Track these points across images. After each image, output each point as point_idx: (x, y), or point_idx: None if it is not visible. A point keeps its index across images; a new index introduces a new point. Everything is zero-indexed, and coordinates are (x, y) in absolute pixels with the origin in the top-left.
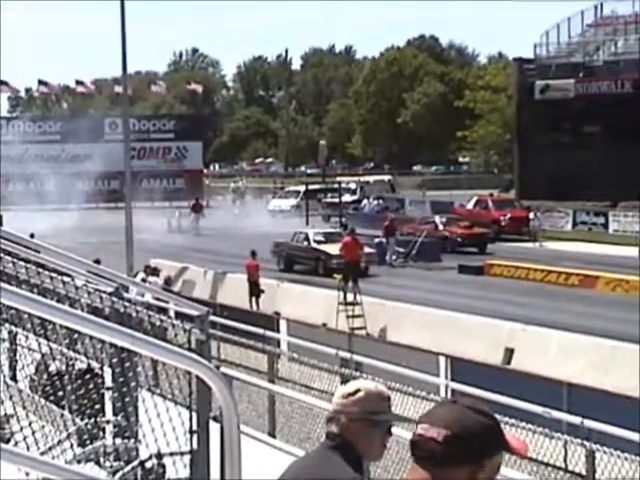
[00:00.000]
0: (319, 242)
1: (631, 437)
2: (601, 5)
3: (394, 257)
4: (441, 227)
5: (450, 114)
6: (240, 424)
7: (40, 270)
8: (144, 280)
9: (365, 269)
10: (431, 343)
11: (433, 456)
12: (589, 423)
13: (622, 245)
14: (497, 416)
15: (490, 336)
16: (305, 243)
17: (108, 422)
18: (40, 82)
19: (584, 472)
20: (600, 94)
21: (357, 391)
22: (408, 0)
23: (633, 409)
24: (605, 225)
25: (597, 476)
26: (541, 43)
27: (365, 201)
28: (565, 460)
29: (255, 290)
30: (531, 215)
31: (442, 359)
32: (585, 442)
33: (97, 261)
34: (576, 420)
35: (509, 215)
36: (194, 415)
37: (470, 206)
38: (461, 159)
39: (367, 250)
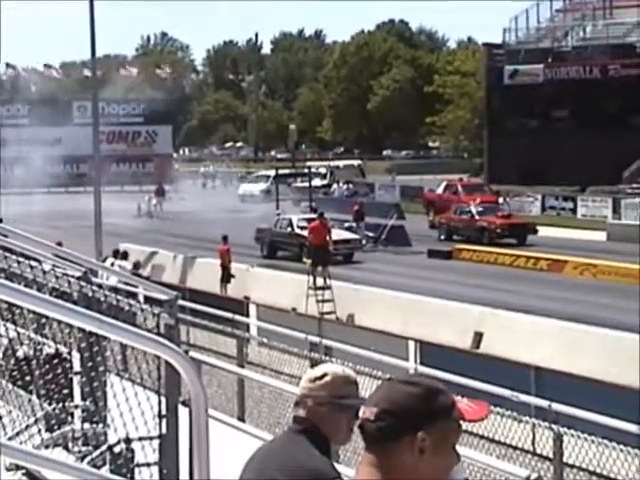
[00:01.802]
0: (303, 228)
1: (598, 420)
2: None
3: (363, 242)
4: (477, 217)
5: (420, 99)
6: (209, 408)
7: (7, 254)
8: (113, 264)
9: (350, 255)
10: (401, 327)
11: (371, 436)
12: (557, 406)
13: (590, 230)
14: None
15: (459, 320)
16: (289, 229)
17: (76, 407)
18: (8, 65)
19: (551, 455)
20: (568, 79)
21: (324, 375)
22: None
23: (600, 392)
24: (573, 210)
25: (564, 459)
26: (510, 28)
27: (335, 186)
28: (533, 443)
29: (226, 275)
30: (500, 200)
31: (411, 343)
32: (553, 425)
33: (59, 243)
34: (544, 403)
35: (479, 200)
36: (163, 400)
37: (440, 191)
38: (431, 144)
39: (352, 236)
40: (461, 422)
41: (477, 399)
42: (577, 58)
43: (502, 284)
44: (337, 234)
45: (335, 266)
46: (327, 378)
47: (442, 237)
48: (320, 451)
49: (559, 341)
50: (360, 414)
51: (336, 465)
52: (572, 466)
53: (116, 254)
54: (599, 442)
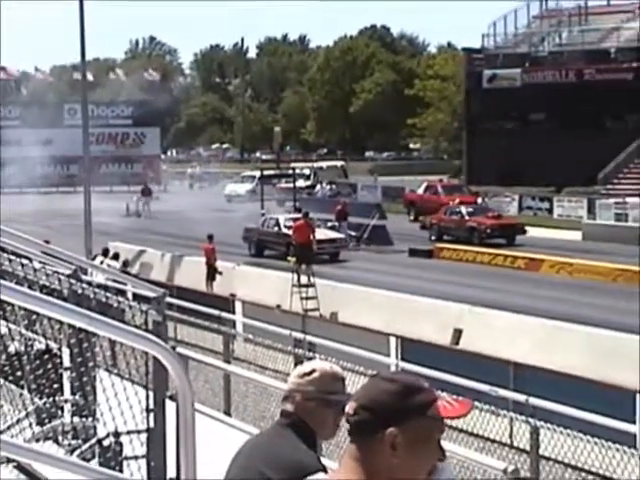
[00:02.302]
0: (289, 227)
1: (574, 414)
2: None
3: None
4: (467, 217)
5: (401, 102)
6: (195, 403)
7: None
8: (102, 263)
9: (336, 254)
10: (382, 324)
11: (351, 430)
12: (534, 401)
13: (566, 229)
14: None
15: (439, 317)
16: (276, 229)
17: (66, 401)
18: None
19: (528, 448)
20: (545, 83)
21: (312, 371)
22: None
23: (576, 387)
24: (550, 210)
25: (541, 451)
26: (489, 34)
27: (318, 186)
28: (511, 436)
29: (212, 273)
30: (479, 200)
31: (393, 339)
32: (530, 419)
33: (47, 241)
34: (521, 398)
35: (458, 200)
36: (151, 394)
37: (420, 191)
38: (412, 145)
39: (337, 235)
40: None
41: (461, 396)
42: (553, 63)
43: (481, 282)
44: (323, 234)
45: (321, 265)
46: (315, 374)
47: (433, 237)
48: (307, 445)
49: (536, 337)
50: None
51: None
52: (548, 458)
53: (106, 253)
54: (574, 435)
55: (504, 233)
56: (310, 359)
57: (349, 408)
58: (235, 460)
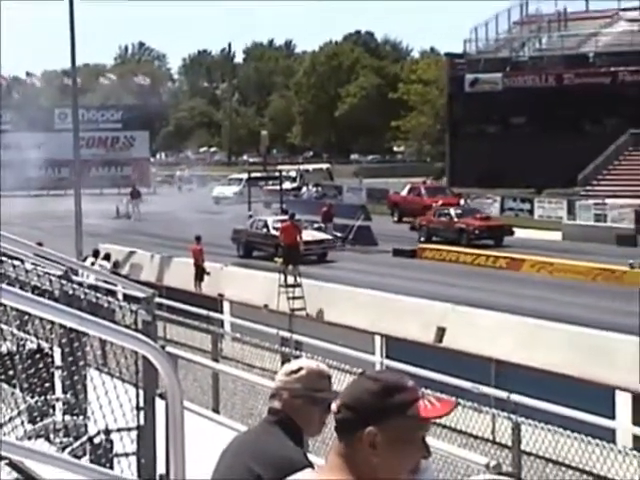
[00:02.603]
0: (277, 229)
1: (554, 410)
2: (526, 4)
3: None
4: (456, 219)
5: (385, 106)
6: (184, 401)
7: None
8: (93, 264)
9: (324, 255)
10: (367, 323)
11: (336, 427)
12: (515, 397)
13: (546, 230)
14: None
15: (423, 316)
16: (264, 230)
17: (58, 400)
18: None
19: (510, 443)
20: (526, 87)
21: (300, 369)
22: None
23: (556, 384)
24: (530, 211)
25: (522, 447)
26: (470, 39)
27: (304, 188)
28: (493, 432)
29: (200, 273)
30: (462, 201)
31: (377, 338)
32: (511, 415)
33: (40, 244)
34: (503, 395)
35: (441, 201)
36: (141, 392)
37: (404, 193)
38: (395, 148)
39: (325, 236)
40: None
41: (444, 394)
42: (534, 67)
43: (463, 281)
44: (311, 235)
45: (309, 265)
46: (302, 372)
47: (422, 239)
48: (293, 441)
49: (518, 335)
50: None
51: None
52: (529, 454)
53: (96, 254)
54: (555, 431)
55: (492, 234)
56: (297, 357)
57: (334, 406)
58: (223, 456)
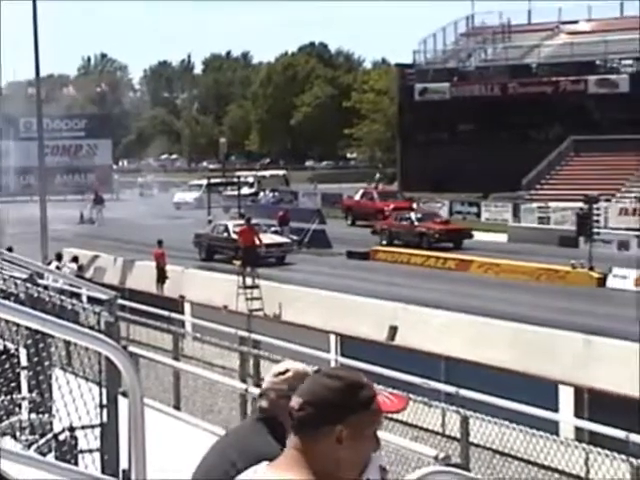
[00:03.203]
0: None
1: (501, 404)
2: (472, 17)
3: None
4: (417, 223)
5: (339, 114)
6: (147, 398)
7: None
8: (58, 268)
9: (282, 258)
10: (322, 322)
11: (296, 423)
12: (463, 392)
13: (493, 232)
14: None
15: (376, 315)
16: (225, 234)
17: (24, 399)
18: None
19: (459, 436)
20: (472, 96)
21: (286, 371)
22: (301, 7)
23: (503, 379)
24: (478, 214)
25: (470, 439)
26: (419, 50)
27: (262, 193)
28: (442, 425)
29: (162, 276)
30: (414, 205)
31: (332, 337)
32: (460, 409)
33: (9, 249)
34: (452, 390)
35: (392, 205)
36: (104, 391)
37: (357, 197)
38: (349, 155)
39: (284, 240)
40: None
41: (398, 391)
42: (480, 77)
43: (414, 282)
44: (271, 238)
45: (269, 268)
46: (289, 374)
47: (384, 242)
48: (276, 439)
49: (466, 333)
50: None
51: None
52: (477, 445)
53: (59, 257)
54: (501, 423)
55: (452, 238)
56: (256, 356)
57: (294, 403)
58: (212, 449)
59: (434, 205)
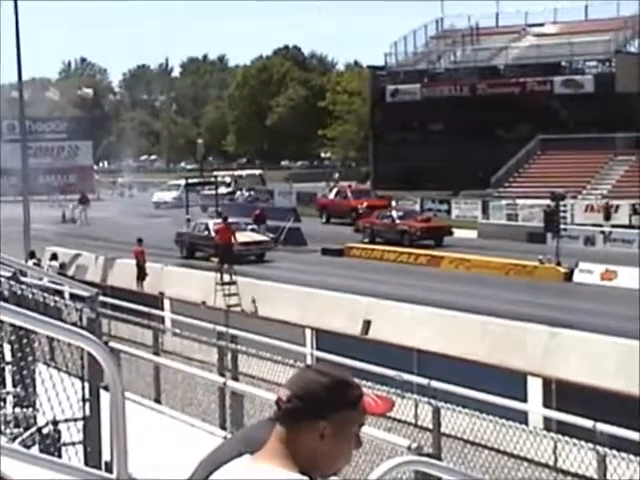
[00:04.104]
0: None
1: (471, 395)
2: (442, 20)
3: None
4: (398, 221)
5: (313, 115)
6: (128, 392)
7: None
8: (38, 265)
9: (261, 255)
10: (298, 317)
11: (282, 414)
12: (435, 384)
13: (463, 229)
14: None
15: (350, 310)
16: (205, 232)
17: (8, 393)
18: None
19: (431, 426)
20: (442, 97)
21: None
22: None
23: (473, 371)
24: (448, 211)
25: (442, 429)
26: (391, 53)
27: (238, 193)
28: (415, 416)
29: (141, 273)
30: (393, 203)
31: (308, 331)
32: (432, 400)
33: None
34: (424, 381)
35: (365, 203)
36: (86, 385)
37: (332, 196)
38: (323, 155)
39: (263, 238)
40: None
41: (383, 394)
42: (449, 79)
43: (387, 277)
44: (250, 236)
45: (248, 265)
46: None
47: (365, 240)
48: None
49: (437, 327)
50: (277, 393)
51: None
52: (449, 435)
53: (32, 255)
54: (472, 414)
55: (433, 235)
56: (233, 351)
57: (282, 395)
58: (227, 439)
59: (405, 203)
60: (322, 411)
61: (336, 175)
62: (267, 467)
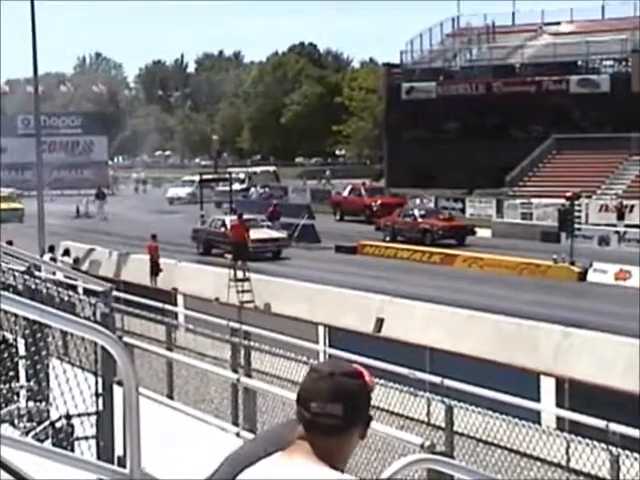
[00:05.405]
0: None
1: (484, 393)
2: (458, 18)
3: None
4: (420, 220)
5: (327, 112)
6: (141, 388)
7: None
8: (53, 259)
9: (278, 252)
10: (311, 314)
11: (333, 428)
12: (448, 382)
13: (477, 227)
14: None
15: (363, 307)
16: (222, 229)
17: (22, 387)
18: None
19: (444, 425)
20: (457, 95)
21: None
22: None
23: (486, 370)
24: (462, 210)
25: (455, 428)
26: (406, 50)
27: (252, 189)
28: (428, 415)
29: (155, 269)
30: (423, 201)
31: (321, 328)
32: (445, 399)
33: (10, 242)
34: (437, 380)
35: (380, 201)
36: (99, 380)
37: (345, 193)
38: (337, 152)
39: (280, 235)
40: None
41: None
42: (465, 77)
43: (400, 276)
44: (267, 233)
45: (264, 262)
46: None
47: (387, 238)
48: None
49: (450, 325)
50: (313, 409)
51: None
52: (461, 434)
53: (52, 249)
54: (485, 413)
55: (455, 234)
56: (247, 347)
57: (334, 410)
58: (252, 438)
59: (419, 200)
60: (364, 414)
61: (327, 172)
62: (301, 462)
